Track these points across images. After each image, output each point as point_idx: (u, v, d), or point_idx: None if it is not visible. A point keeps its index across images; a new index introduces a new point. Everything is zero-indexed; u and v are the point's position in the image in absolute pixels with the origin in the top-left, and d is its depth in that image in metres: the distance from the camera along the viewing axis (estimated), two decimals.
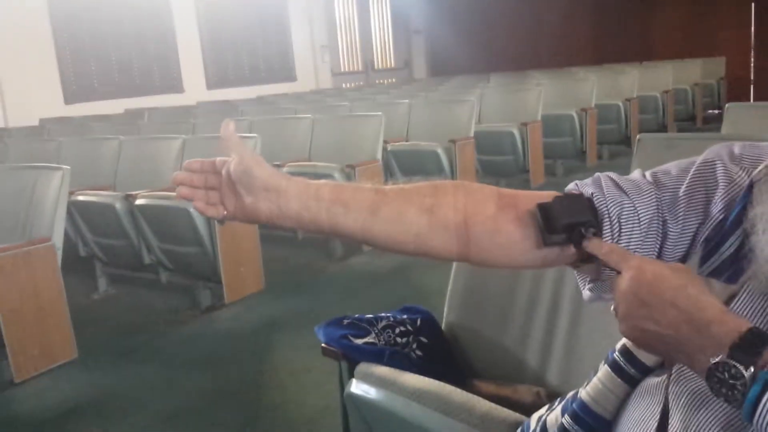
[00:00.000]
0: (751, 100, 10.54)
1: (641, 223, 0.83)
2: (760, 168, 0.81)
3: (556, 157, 6.62)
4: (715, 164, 0.84)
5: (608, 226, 0.82)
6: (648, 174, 0.88)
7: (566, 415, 0.94)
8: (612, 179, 0.87)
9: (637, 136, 1.97)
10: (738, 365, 0.62)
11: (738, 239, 0.79)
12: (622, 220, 0.82)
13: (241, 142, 0.88)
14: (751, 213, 0.77)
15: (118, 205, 3.77)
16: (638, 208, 0.83)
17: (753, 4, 11.35)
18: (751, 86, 11.49)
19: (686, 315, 0.68)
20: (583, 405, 0.92)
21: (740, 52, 11.45)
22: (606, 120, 7.03)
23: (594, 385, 0.92)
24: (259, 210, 0.87)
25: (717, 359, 0.64)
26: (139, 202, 3.69)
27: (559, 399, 1.03)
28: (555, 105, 6.60)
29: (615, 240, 0.83)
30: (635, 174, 0.89)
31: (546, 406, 1.06)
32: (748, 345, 0.63)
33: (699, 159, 0.87)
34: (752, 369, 0.62)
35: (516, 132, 5.71)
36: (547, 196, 0.87)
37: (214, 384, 2.84)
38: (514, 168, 5.87)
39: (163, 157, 4.34)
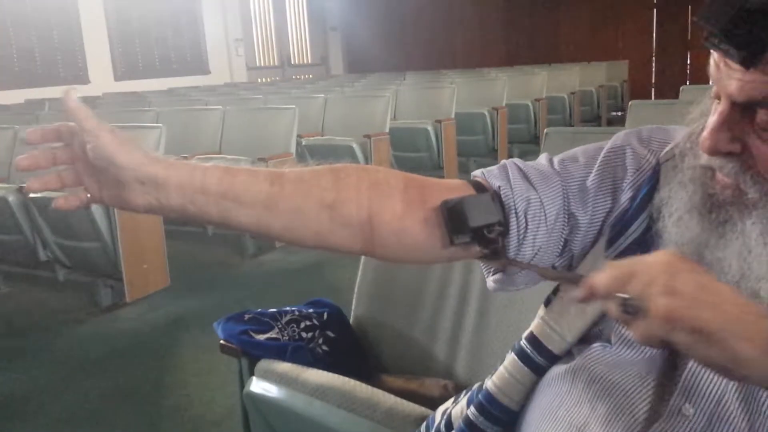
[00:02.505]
0: None
1: (548, 219, 0.81)
2: (666, 149, 0.81)
3: (469, 154, 6.71)
4: (624, 150, 0.84)
5: (514, 223, 0.80)
6: (556, 161, 0.86)
7: (471, 407, 0.91)
8: (519, 169, 0.85)
9: (545, 130, 1.99)
10: None
11: (644, 222, 0.79)
12: (528, 216, 0.81)
13: (91, 117, 0.73)
14: (657, 197, 0.77)
15: (11, 198, 3.53)
16: (545, 203, 0.81)
17: (655, 11, 11.91)
18: (652, 89, 12.06)
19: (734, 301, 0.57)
20: (488, 395, 0.89)
21: (642, 56, 11.99)
22: (516, 119, 7.19)
23: (500, 374, 0.89)
24: (133, 202, 0.75)
25: None
26: (33, 194, 3.47)
27: (465, 391, 1.00)
28: (468, 104, 6.69)
29: (521, 236, 0.81)
30: (542, 160, 0.87)
31: (452, 399, 1.03)
32: None
33: (607, 145, 0.86)
34: None
35: (430, 129, 5.74)
36: (455, 186, 0.84)
37: (113, 386, 2.70)
38: (428, 164, 5.91)
39: None
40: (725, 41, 0.62)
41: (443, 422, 0.96)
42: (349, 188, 0.80)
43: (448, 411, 0.97)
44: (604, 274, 0.59)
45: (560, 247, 0.83)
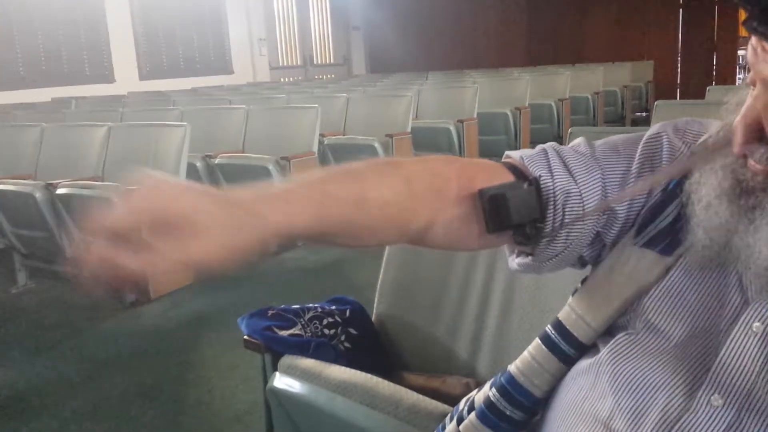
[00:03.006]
0: None
1: (587, 214, 0.80)
2: (699, 141, 0.80)
3: (491, 154, 6.61)
4: (661, 138, 0.83)
5: (551, 215, 0.80)
6: (597, 150, 0.85)
7: (493, 389, 0.90)
8: (559, 156, 0.83)
9: (569, 130, 1.98)
10: None
11: (675, 210, 0.78)
12: (566, 210, 0.79)
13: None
14: (687, 183, 0.76)
15: (38, 195, 3.58)
16: (584, 196, 0.80)
17: (681, 11, 11.77)
18: (678, 89, 11.92)
19: None
20: (510, 378, 0.88)
21: (668, 56, 11.85)
22: (539, 119, 7.14)
23: (524, 357, 0.88)
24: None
25: None
26: (60, 191, 3.52)
27: (490, 381, 1.00)
28: (490, 103, 6.67)
29: (556, 229, 0.80)
30: (582, 147, 0.85)
31: (475, 390, 1.02)
32: None
33: (646, 135, 0.85)
34: None
35: (453, 129, 5.73)
36: (495, 172, 0.83)
37: (137, 381, 2.73)
38: None
39: (87, 146, 4.16)
40: (764, 22, 0.62)
41: (466, 408, 0.95)
42: (419, 202, 0.78)
43: (471, 398, 0.97)
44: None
45: (591, 238, 0.83)
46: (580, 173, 0.81)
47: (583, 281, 0.88)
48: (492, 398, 0.89)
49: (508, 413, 0.88)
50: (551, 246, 0.81)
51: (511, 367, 0.90)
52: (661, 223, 0.79)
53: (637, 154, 0.83)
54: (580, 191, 0.80)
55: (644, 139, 0.84)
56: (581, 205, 0.80)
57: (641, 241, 0.79)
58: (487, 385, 0.94)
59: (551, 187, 0.80)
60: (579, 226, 0.80)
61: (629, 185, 0.81)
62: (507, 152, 0.86)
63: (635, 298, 0.78)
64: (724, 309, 0.72)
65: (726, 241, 0.71)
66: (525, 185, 0.79)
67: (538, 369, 0.86)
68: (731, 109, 0.75)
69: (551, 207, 0.79)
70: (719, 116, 0.78)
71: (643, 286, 0.78)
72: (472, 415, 0.91)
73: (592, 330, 0.83)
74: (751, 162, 0.69)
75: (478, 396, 0.94)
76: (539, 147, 0.85)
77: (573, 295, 0.88)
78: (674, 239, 0.77)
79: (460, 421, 0.94)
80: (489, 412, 0.89)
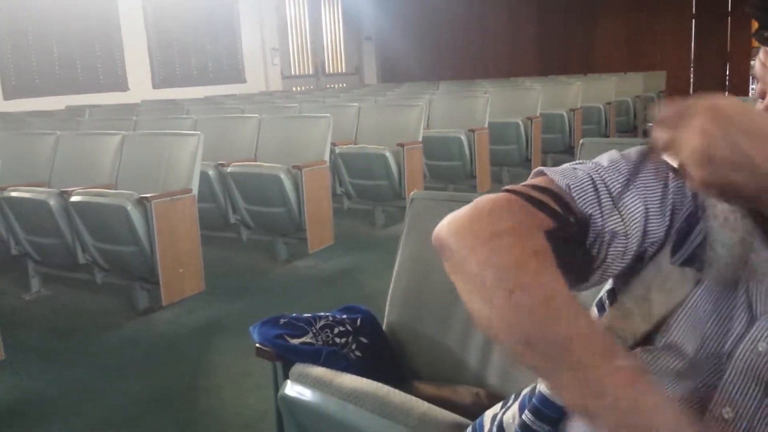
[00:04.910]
0: None
1: (627, 250, 0.77)
2: None
3: (503, 164, 6.69)
4: None
5: (595, 252, 0.77)
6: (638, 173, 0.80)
7: (527, 412, 0.90)
8: (607, 188, 0.77)
9: (580, 141, 1.98)
10: None
11: (705, 226, 0.77)
12: (610, 250, 0.76)
13: None
14: (700, 197, 0.76)
15: (52, 202, 3.62)
16: (629, 237, 0.76)
17: (693, 21, 11.74)
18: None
19: None
20: (542, 398, 0.88)
21: (680, 66, 11.83)
22: (551, 129, 7.14)
23: None
24: None
25: None
26: (74, 199, 3.55)
27: (513, 396, 0.99)
28: (502, 113, 6.67)
29: (596, 265, 0.77)
30: (621, 166, 0.79)
31: (500, 404, 1.02)
32: None
33: None
34: None
35: (464, 138, 5.74)
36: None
37: (149, 389, 2.74)
38: (461, 174, 5.90)
39: (101, 154, 4.20)
40: None
41: (495, 428, 0.96)
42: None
43: (499, 417, 0.97)
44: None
45: (625, 263, 0.80)
46: (625, 206, 0.77)
47: (609, 294, 0.88)
48: (527, 421, 0.89)
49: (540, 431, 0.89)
50: (591, 277, 0.80)
51: (542, 387, 0.89)
52: (695, 241, 0.77)
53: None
54: (626, 231, 0.76)
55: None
56: (626, 244, 0.77)
57: (679, 260, 0.78)
58: (515, 406, 0.94)
59: (600, 227, 0.76)
60: (619, 262, 0.78)
61: (667, 210, 0.77)
62: (542, 168, 0.81)
63: (669, 315, 0.78)
64: (733, 326, 0.72)
65: (744, 257, 0.70)
66: (574, 226, 0.75)
67: None
68: None
69: (597, 246, 0.76)
70: None
71: (678, 303, 0.77)
72: None
73: (629, 346, 0.82)
74: None
75: (507, 416, 0.94)
76: (583, 172, 0.79)
77: (602, 308, 0.87)
78: (705, 256, 0.76)
79: None
80: None
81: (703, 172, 0.61)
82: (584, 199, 0.76)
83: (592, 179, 0.78)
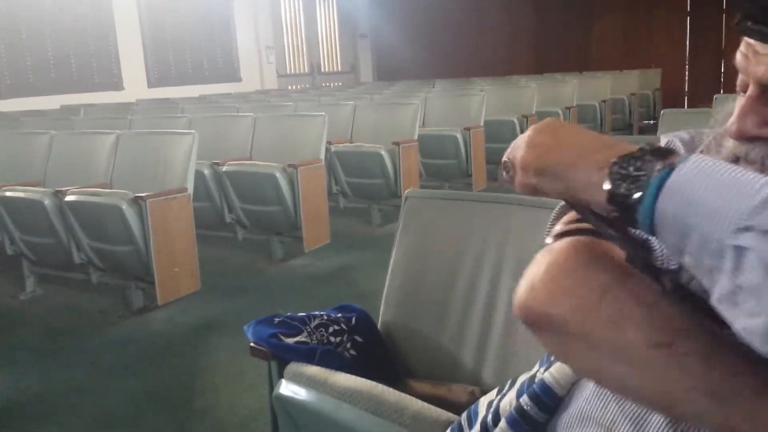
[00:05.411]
0: None
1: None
2: (698, 150, 0.81)
3: (498, 162, 6.66)
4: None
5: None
6: None
7: (525, 396, 0.89)
8: None
9: None
10: (647, 155, 0.59)
11: None
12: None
13: None
14: None
15: (47, 202, 3.61)
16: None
17: (688, 19, 11.76)
18: (686, 97, 11.90)
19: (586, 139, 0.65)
20: (544, 386, 0.87)
21: (676, 64, 11.85)
22: None
23: (560, 367, 0.87)
24: None
25: (625, 151, 0.60)
26: (69, 198, 3.55)
27: (510, 382, 0.99)
28: (497, 111, 6.68)
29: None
30: None
31: (495, 391, 1.02)
32: (651, 149, 0.60)
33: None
34: (659, 161, 0.58)
35: (459, 136, 5.74)
36: None
37: (144, 388, 2.74)
38: (456, 172, 5.91)
39: (96, 153, 4.19)
40: (760, 20, 0.63)
41: (490, 415, 0.95)
42: None
43: (495, 403, 0.97)
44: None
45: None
46: None
47: None
48: (524, 405, 0.89)
49: (536, 417, 0.88)
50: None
51: (546, 376, 0.89)
52: None
53: None
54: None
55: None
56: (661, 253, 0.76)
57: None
58: (511, 393, 0.94)
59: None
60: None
61: None
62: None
63: None
64: None
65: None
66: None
67: (573, 377, 0.86)
68: (720, 120, 0.76)
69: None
70: (710, 128, 0.79)
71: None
72: (503, 423, 0.91)
73: None
74: (743, 164, 0.70)
75: (503, 403, 0.94)
76: None
77: None
78: None
79: (484, 427, 0.94)
80: (522, 420, 0.89)
81: (517, 177, 0.69)
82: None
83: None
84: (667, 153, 0.59)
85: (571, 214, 0.78)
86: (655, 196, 0.56)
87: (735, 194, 0.53)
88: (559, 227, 0.77)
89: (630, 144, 0.62)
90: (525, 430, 0.89)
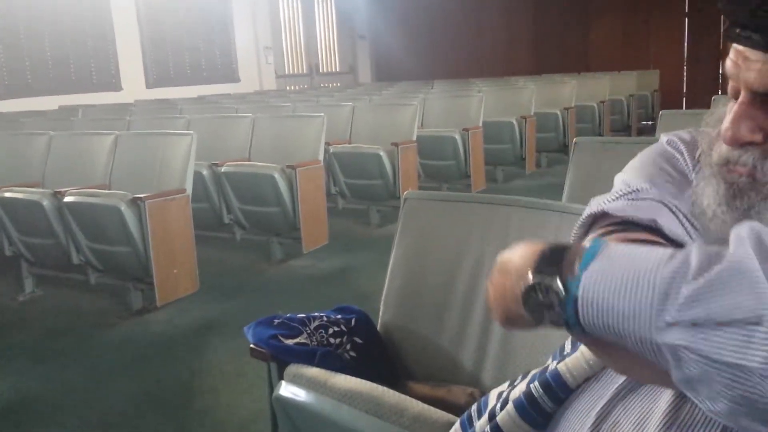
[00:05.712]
0: None
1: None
2: (697, 153, 0.82)
3: (497, 163, 6.71)
4: (675, 148, 0.87)
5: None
6: (661, 185, 0.84)
7: (536, 383, 0.90)
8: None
9: (574, 140, 1.99)
10: (545, 279, 0.60)
11: None
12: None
13: None
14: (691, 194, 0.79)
15: (46, 203, 3.61)
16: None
17: (687, 20, 11.78)
18: (683, 98, 11.91)
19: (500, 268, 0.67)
20: (557, 376, 0.88)
21: (674, 65, 11.87)
22: (545, 128, 7.16)
23: (576, 359, 0.88)
24: None
25: (524, 286, 0.62)
26: (67, 199, 3.55)
27: (521, 375, 0.99)
28: (496, 112, 6.69)
29: None
30: (642, 184, 0.83)
31: (507, 383, 1.02)
32: (548, 260, 0.61)
33: (659, 150, 0.88)
34: (559, 279, 0.59)
35: (458, 137, 5.75)
36: None
37: (143, 389, 2.74)
38: (455, 173, 5.91)
39: (94, 154, 4.18)
40: (748, 27, 0.64)
41: (499, 404, 0.95)
42: None
43: (505, 394, 0.97)
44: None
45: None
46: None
47: None
48: (533, 391, 0.89)
49: (543, 405, 0.89)
50: None
51: (560, 366, 0.89)
52: None
53: (675, 173, 0.84)
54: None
55: (659, 153, 0.87)
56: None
57: None
58: (522, 384, 0.94)
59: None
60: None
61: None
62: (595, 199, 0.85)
63: None
64: None
65: None
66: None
67: (585, 368, 0.87)
68: (711, 124, 0.77)
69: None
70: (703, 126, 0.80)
71: None
72: (510, 406, 0.91)
73: None
74: (737, 167, 0.71)
75: (514, 392, 0.94)
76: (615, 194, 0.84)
77: None
78: None
79: (492, 416, 0.94)
80: (529, 406, 0.89)
81: (492, 310, 0.68)
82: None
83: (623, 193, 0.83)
84: (559, 260, 0.60)
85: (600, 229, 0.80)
86: (576, 314, 0.58)
87: (642, 292, 0.55)
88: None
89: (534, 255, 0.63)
90: (531, 416, 0.89)
